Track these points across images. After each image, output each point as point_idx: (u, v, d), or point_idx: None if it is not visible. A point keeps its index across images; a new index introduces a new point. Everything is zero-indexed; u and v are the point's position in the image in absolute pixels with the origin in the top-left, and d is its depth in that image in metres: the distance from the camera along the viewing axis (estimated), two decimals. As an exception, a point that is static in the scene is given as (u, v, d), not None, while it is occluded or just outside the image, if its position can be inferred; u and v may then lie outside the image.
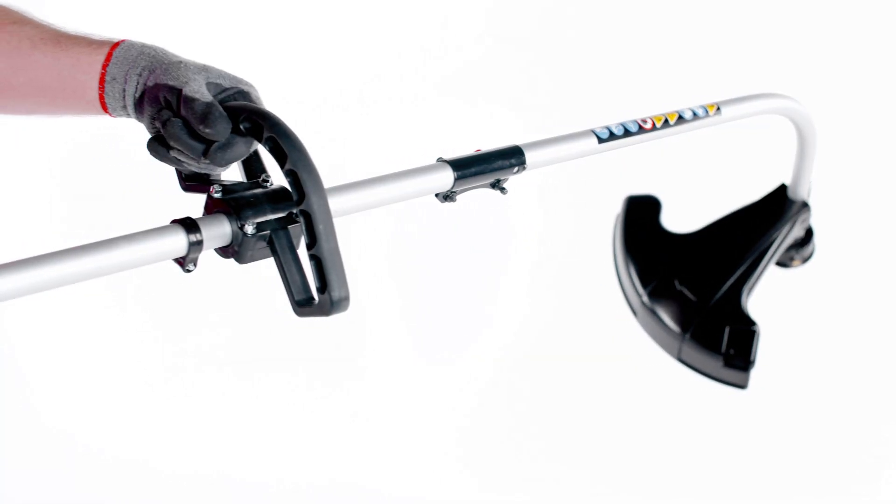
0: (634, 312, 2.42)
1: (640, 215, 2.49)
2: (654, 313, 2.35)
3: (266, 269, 1.40)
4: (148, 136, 1.25)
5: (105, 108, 1.27)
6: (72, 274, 1.03)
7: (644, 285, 2.37)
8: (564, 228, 2.97)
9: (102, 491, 2.70)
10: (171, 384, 2.89)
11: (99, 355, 2.83)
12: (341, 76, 3.07)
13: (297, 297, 1.14)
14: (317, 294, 1.11)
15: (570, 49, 3.18)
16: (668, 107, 1.79)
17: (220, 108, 1.14)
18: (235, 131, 1.15)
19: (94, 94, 1.26)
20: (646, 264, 2.40)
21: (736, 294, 2.31)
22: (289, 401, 2.94)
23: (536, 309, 3.04)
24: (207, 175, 1.25)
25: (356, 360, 3.06)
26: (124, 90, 1.24)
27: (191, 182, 1.25)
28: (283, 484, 2.78)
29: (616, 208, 2.64)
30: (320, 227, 1.09)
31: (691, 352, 2.30)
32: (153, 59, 1.23)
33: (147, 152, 1.24)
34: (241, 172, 1.26)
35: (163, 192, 2.60)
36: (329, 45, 3.10)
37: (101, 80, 1.25)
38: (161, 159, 1.22)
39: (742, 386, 2.29)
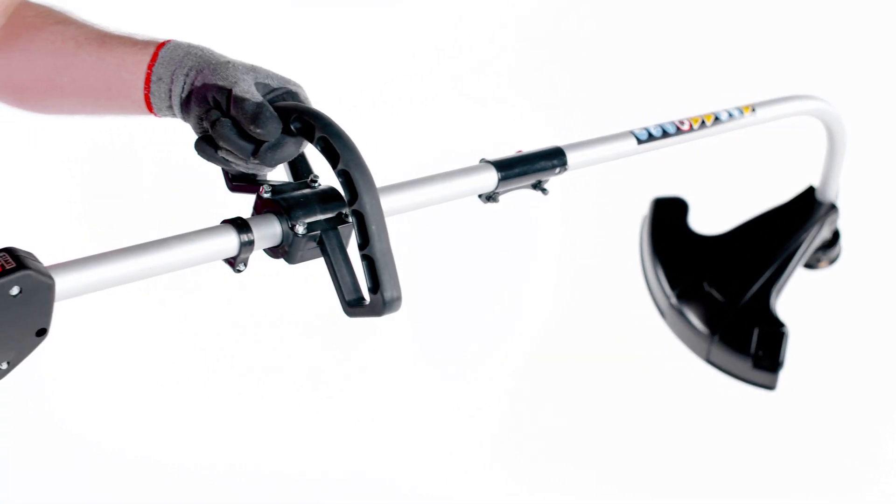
0: (662, 314, 2.41)
1: (668, 217, 2.47)
2: (682, 315, 2.34)
3: (306, 273, 1.39)
4: (191, 135, 1.24)
5: (150, 108, 1.26)
6: (126, 274, 1.02)
7: (672, 287, 2.36)
8: (590, 229, 2.95)
9: (126, 492, 2.69)
10: (205, 386, 2.88)
11: (123, 354, 2.82)
12: (358, 77, 3.06)
13: (347, 298, 1.12)
14: (368, 294, 1.10)
15: (592, 50, 3.16)
16: (692, 109, 1.78)
17: (271, 109, 1.13)
18: (285, 131, 1.14)
19: (140, 94, 1.25)
20: (674, 266, 2.39)
21: (765, 295, 2.29)
22: (312, 400, 2.93)
23: (562, 310, 3.02)
24: (254, 175, 1.24)
25: (381, 361, 3.05)
26: (170, 90, 1.23)
27: (238, 182, 1.24)
28: (304, 476, 2.77)
29: (641, 210, 2.63)
30: (373, 228, 1.08)
31: (720, 353, 2.29)
32: (200, 59, 1.22)
33: (171, 152, 1.22)
34: (287, 172, 1.25)
35: (186, 192, 2.60)
36: (342, 47, 3.09)
37: (147, 80, 1.24)
38: (208, 159, 1.21)
39: (770, 387, 2.28)
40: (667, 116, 1.73)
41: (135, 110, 1.29)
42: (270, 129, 1.12)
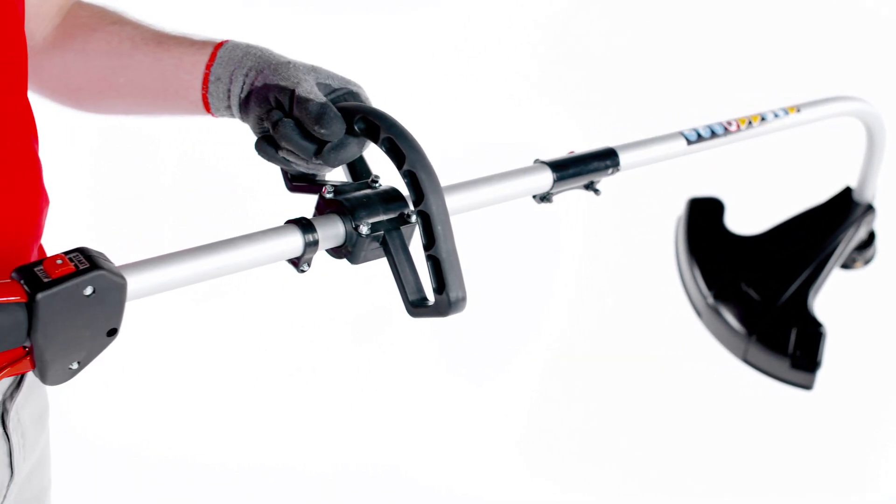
0: (699, 314, 2.39)
1: (704, 217, 2.46)
2: (719, 315, 2.32)
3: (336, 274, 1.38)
4: (243, 134, 1.23)
5: (208, 109, 1.25)
6: (195, 274, 1.01)
7: (709, 287, 2.35)
8: (624, 229, 2.94)
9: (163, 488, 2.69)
10: (239, 385, 2.88)
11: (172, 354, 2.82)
12: (390, 79, 3.06)
13: (411, 298, 1.11)
14: (433, 294, 1.09)
15: (618, 53, 3.15)
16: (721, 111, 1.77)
17: (335, 109, 1.12)
18: (348, 132, 1.13)
19: (198, 94, 1.24)
20: (711, 266, 2.37)
21: (802, 295, 2.28)
22: (346, 399, 2.93)
23: (595, 310, 3.01)
24: (314, 175, 1.23)
25: (413, 360, 3.05)
26: (229, 90, 1.22)
27: (297, 182, 1.23)
28: (337, 473, 2.77)
29: (676, 210, 2.61)
30: (439, 229, 1.07)
31: (757, 353, 2.28)
32: (260, 60, 1.21)
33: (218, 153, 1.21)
34: (346, 173, 1.24)
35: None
36: (371, 49, 3.08)
37: (205, 81, 1.23)
38: (269, 159, 1.20)
39: (808, 387, 2.27)
40: (697, 118, 1.72)
41: (191, 110, 1.28)
42: (334, 130, 1.11)
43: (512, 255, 2.99)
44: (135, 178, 2.96)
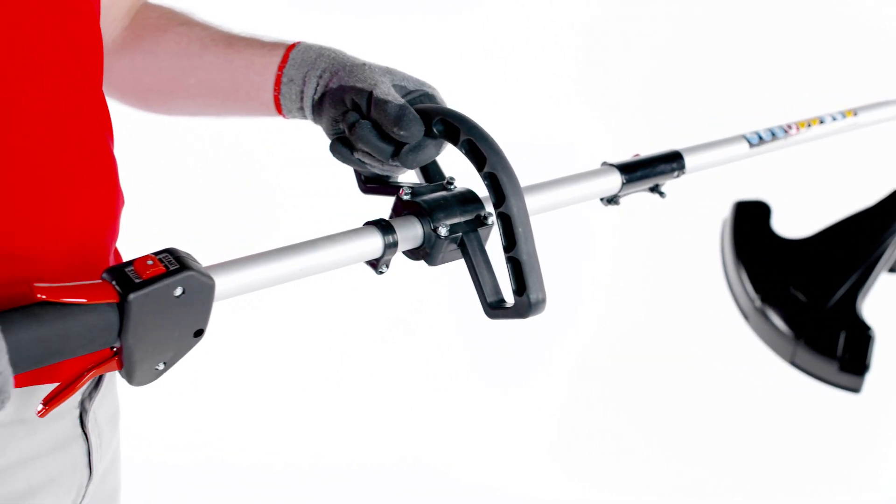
0: (746, 317, 2.38)
1: (750, 220, 2.44)
2: (766, 318, 2.31)
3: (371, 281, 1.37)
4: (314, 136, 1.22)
5: (279, 110, 1.24)
6: (279, 275, 1.01)
7: (757, 290, 2.33)
8: (669, 233, 2.93)
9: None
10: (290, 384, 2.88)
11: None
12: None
13: (489, 300, 1.10)
14: (512, 296, 1.08)
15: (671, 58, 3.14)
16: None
17: (413, 111, 1.11)
18: (426, 134, 1.12)
19: (269, 95, 1.24)
20: (758, 269, 2.36)
21: (851, 299, 2.26)
22: (393, 398, 2.93)
23: (641, 312, 3.00)
24: (387, 177, 1.22)
25: (458, 362, 3.04)
26: (302, 92, 1.21)
27: (371, 184, 1.22)
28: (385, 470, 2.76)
29: (720, 213, 2.60)
30: (520, 230, 1.06)
31: (805, 356, 2.26)
32: (334, 61, 1.19)
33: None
34: (419, 175, 1.23)
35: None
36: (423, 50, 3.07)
37: (278, 82, 1.22)
38: (344, 161, 1.19)
39: (856, 390, 2.25)
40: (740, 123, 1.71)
41: (262, 111, 1.28)
42: (414, 132, 1.10)
43: (561, 258, 2.98)
44: (192, 178, 2.97)
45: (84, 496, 1.11)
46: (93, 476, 1.11)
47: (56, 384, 0.96)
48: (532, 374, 3.14)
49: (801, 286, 2.30)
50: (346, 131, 1.15)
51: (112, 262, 1.10)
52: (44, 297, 0.85)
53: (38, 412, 0.91)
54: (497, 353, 3.10)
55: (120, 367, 0.93)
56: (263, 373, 2.96)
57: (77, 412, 1.09)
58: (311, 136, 1.37)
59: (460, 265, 1.15)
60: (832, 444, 2.79)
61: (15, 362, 0.83)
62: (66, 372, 0.98)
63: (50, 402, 0.92)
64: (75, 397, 1.07)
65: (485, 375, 3.13)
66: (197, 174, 2.96)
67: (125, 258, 1.14)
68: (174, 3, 1.39)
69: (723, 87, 3.11)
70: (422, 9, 3.08)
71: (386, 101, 1.10)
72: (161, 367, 0.94)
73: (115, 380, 1.22)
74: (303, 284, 1.09)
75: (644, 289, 3.14)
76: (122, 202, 1.12)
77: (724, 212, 2.45)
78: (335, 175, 1.34)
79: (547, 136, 3.04)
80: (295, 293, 2.78)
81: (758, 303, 2.32)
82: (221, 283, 0.95)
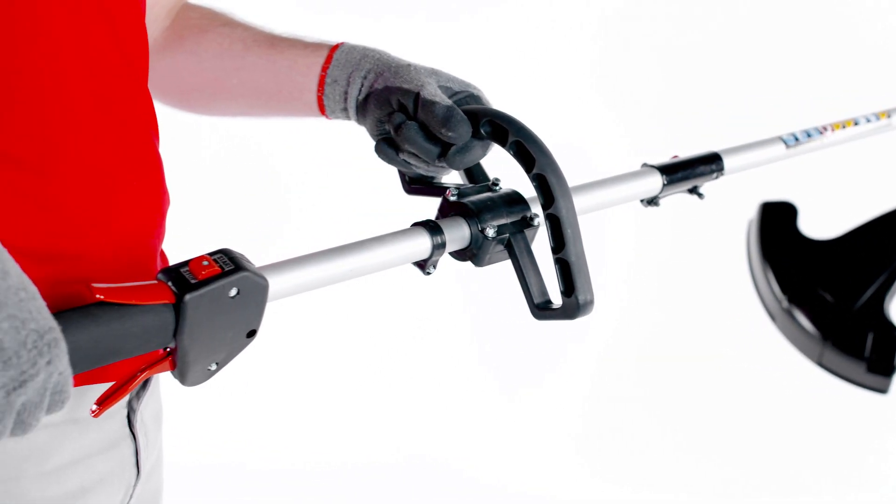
0: (773, 317, 2.36)
1: (777, 221, 2.43)
2: (794, 318, 2.30)
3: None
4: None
5: (322, 111, 1.24)
6: (330, 275, 1.00)
7: (784, 290, 2.32)
8: (694, 233, 2.92)
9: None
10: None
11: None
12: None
13: (536, 301, 1.10)
14: (561, 297, 1.07)
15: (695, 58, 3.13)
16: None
17: (461, 112, 1.10)
18: (473, 135, 1.11)
19: (312, 96, 1.23)
20: (785, 270, 2.35)
21: (879, 300, 2.25)
22: (425, 395, 2.93)
23: (667, 313, 2.99)
24: (432, 178, 1.21)
25: (484, 360, 3.04)
26: (346, 92, 1.20)
27: (415, 185, 1.21)
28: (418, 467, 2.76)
29: (743, 213, 2.59)
30: (568, 232, 1.05)
31: (833, 357, 2.25)
32: (379, 62, 1.19)
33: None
34: (462, 176, 1.23)
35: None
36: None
37: (321, 83, 1.22)
38: (389, 161, 1.19)
39: (883, 391, 2.24)
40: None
41: (305, 112, 1.27)
42: (462, 133, 1.09)
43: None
44: (222, 179, 2.97)
45: (132, 496, 1.11)
46: (140, 475, 1.11)
47: (105, 384, 0.96)
48: (555, 373, 3.14)
49: (828, 287, 2.29)
50: (392, 132, 1.14)
51: (158, 262, 1.10)
52: (102, 297, 0.84)
53: (92, 412, 0.90)
54: (520, 351, 3.10)
55: (173, 367, 0.92)
56: (289, 374, 2.96)
57: (125, 412, 1.08)
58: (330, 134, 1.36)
59: (486, 269, 1.14)
60: (861, 443, 2.77)
61: (74, 362, 0.82)
62: (116, 372, 0.98)
63: (104, 402, 0.91)
64: (124, 398, 1.06)
65: (508, 374, 3.12)
66: (226, 175, 2.96)
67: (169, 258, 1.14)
68: (214, 3, 1.38)
69: (743, 89, 3.10)
70: (438, 12, 3.07)
71: (434, 102, 1.10)
72: (213, 367, 0.94)
73: (158, 380, 1.21)
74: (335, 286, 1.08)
75: (668, 289, 3.13)
76: (168, 201, 1.12)
77: (750, 212, 2.44)
78: (353, 175, 1.33)
79: (563, 136, 3.04)
80: (325, 295, 2.79)
81: (785, 303, 2.31)
82: (274, 283, 0.94)
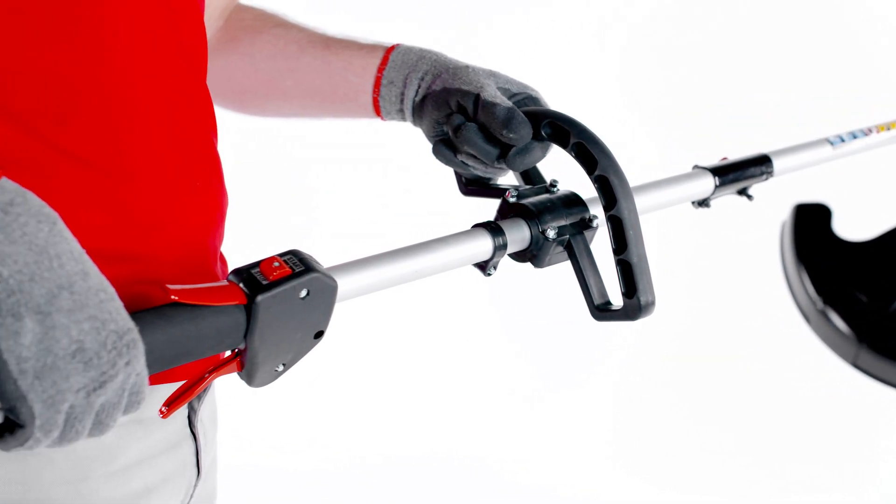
0: (807, 319, 2.35)
1: (811, 222, 2.41)
2: (828, 320, 2.28)
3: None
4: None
5: (378, 112, 1.23)
6: (396, 276, 0.99)
7: (819, 292, 2.30)
8: (729, 234, 2.91)
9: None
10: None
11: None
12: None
13: (596, 302, 1.09)
14: (622, 298, 1.07)
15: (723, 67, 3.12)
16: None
17: (521, 113, 1.09)
18: (534, 136, 1.10)
19: (368, 97, 1.22)
20: (820, 271, 2.33)
21: (915, 301, 2.23)
22: (460, 395, 2.92)
23: (699, 312, 2.98)
24: (489, 179, 1.21)
25: (518, 360, 3.03)
26: (402, 94, 1.19)
27: (472, 186, 1.21)
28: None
29: (778, 215, 2.57)
30: (630, 233, 1.05)
31: (868, 358, 2.23)
32: (436, 64, 1.18)
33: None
34: (518, 178, 1.22)
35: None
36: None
37: (377, 84, 1.21)
38: (447, 163, 1.18)
39: (919, 392, 2.22)
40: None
41: (360, 113, 1.26)
42: (522, 134, 1.09)
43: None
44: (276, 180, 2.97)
45: (192, 496, 1.10)
46: (200, 475, 1.10)
47: (170, 385, 0.95)
48: (587, 374, 3.13)
49: (863, 288, 2.27)
50: (451, 133, 1.13)
51: (218, 263, 1.09)
52: (176, 298, 0.84)
53: (161, 413, 0.89)
54: (552, 353, 3.09)
55: (240, 368, 0.92)
56: (321, 375, 2.96)
57: (186, 413, 1.08)
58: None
59: (518, 269, 1.13)
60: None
61: (150, 363, 0.82)
62: (182, 374, 0.97)
63: (173, 403, 0.91)
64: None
65: (537, 375, 3.11)
66: (276, 176, 2.96)
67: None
68: (266, 4, 1.37)
69: (783, 93, 3.09)
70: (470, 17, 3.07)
71: (495, 104, 1.09)
72: (280, 368, 0.93)
73: (215, 382, 1.20)
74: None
75: (696, 289, 3.11)
76: (227, 201, 1.11)
77: (784, 214, 2.43)
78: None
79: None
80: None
81: (820, 305, 2.29)
82: (342, 284, 0.93)
